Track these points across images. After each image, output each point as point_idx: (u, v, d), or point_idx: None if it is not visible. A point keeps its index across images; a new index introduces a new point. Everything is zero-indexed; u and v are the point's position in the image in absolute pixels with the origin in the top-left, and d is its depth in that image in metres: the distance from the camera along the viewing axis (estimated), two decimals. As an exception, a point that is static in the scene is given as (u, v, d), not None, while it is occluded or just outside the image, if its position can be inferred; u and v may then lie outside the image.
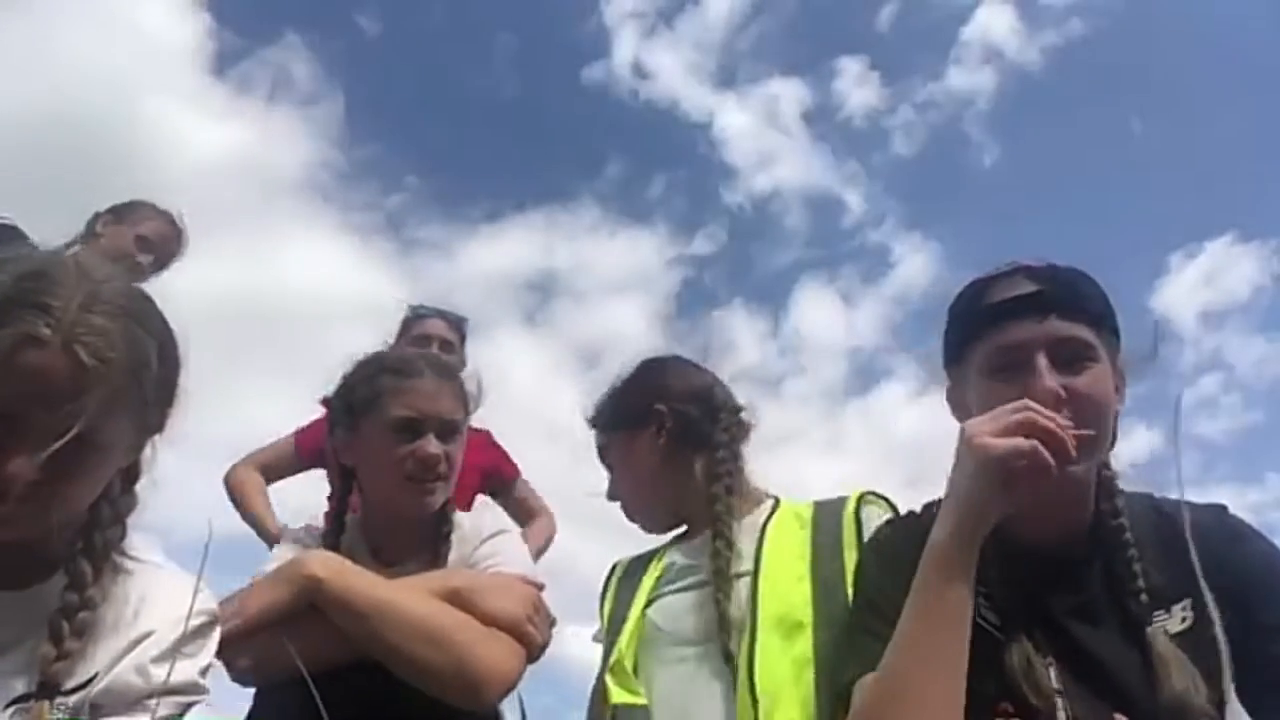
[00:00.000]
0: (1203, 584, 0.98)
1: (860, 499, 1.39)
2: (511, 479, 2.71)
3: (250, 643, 1.21)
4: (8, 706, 0.88)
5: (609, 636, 1.41)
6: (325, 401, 1.54)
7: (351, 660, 1.23)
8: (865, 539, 1.30)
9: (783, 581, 1.31)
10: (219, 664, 1.10)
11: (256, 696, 1.31)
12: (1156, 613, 1.01)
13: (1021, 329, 1.04)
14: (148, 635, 0.95)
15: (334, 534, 1.48)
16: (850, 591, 1.23)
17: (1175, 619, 1.01)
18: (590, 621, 1.53)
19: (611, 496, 1.60)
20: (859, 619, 1.12)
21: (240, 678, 1.25)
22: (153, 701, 0.92)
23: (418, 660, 1.22)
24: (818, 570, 1.31)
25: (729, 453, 1.50)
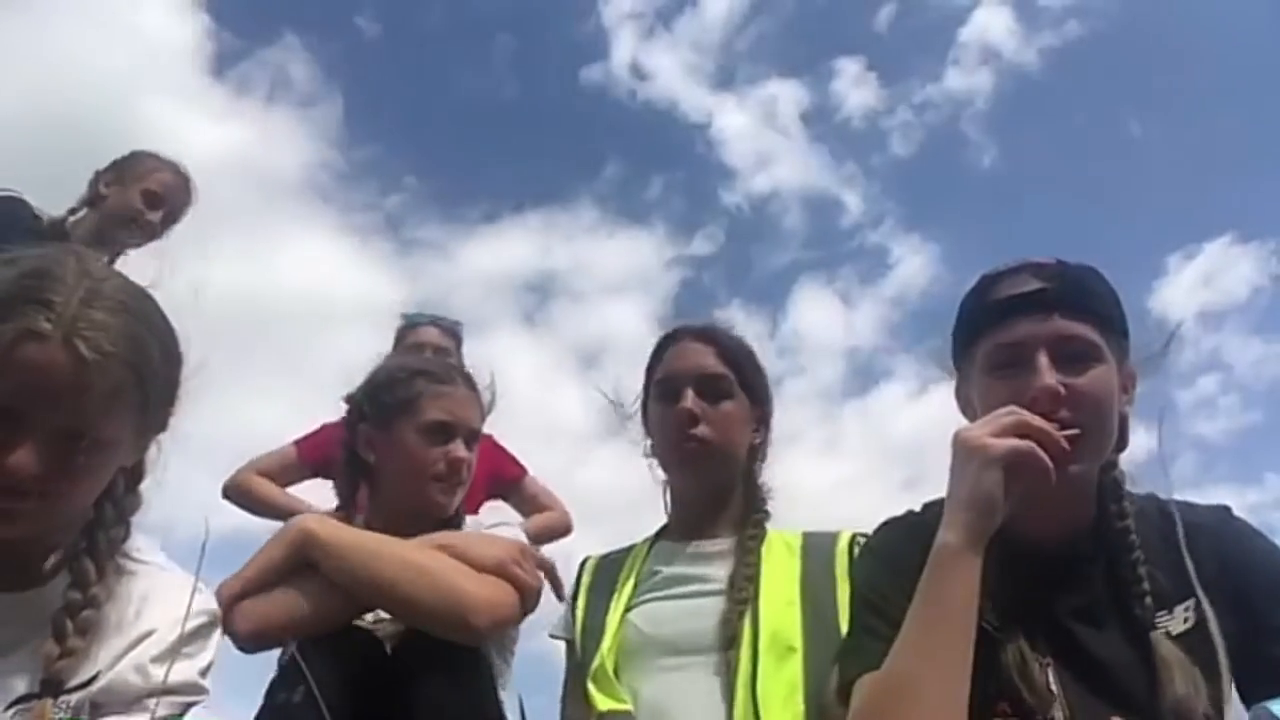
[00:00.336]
0: (1198, 587, 0.99)
1: (852, 540, 1.39)
2: (518, 479, 2.69)
3: (249, 606, 1.25)
4: (10, 706, 0.87)
5: (586, 640, 1.39)
6: (349, 399, 1.58)
7: (349, 616, 1.29)
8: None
9: (776, 604, 1.32)
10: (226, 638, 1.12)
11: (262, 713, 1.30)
12: (1159, 612, 1.01)
13: (1024, 326, 1.03)
14: (148, 635, 0.95)
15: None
16: (841, 621, 1.23)
17: (1178, 619, 1.00)
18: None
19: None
20: (859, 619, 1.11)
21: (244, 645, 1.26)
22: (152, 701, 0.91)
23: (409, 595, 1.27)
24: (807, 597, 1.33)
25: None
